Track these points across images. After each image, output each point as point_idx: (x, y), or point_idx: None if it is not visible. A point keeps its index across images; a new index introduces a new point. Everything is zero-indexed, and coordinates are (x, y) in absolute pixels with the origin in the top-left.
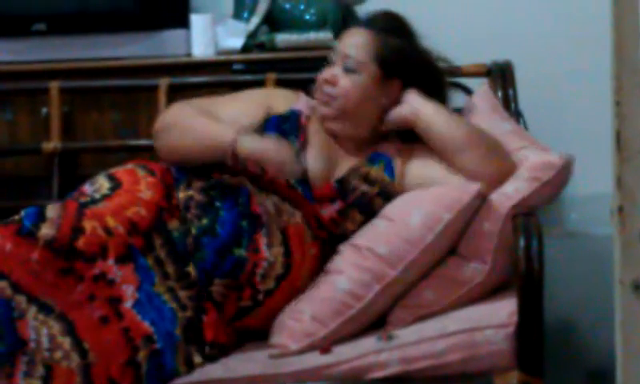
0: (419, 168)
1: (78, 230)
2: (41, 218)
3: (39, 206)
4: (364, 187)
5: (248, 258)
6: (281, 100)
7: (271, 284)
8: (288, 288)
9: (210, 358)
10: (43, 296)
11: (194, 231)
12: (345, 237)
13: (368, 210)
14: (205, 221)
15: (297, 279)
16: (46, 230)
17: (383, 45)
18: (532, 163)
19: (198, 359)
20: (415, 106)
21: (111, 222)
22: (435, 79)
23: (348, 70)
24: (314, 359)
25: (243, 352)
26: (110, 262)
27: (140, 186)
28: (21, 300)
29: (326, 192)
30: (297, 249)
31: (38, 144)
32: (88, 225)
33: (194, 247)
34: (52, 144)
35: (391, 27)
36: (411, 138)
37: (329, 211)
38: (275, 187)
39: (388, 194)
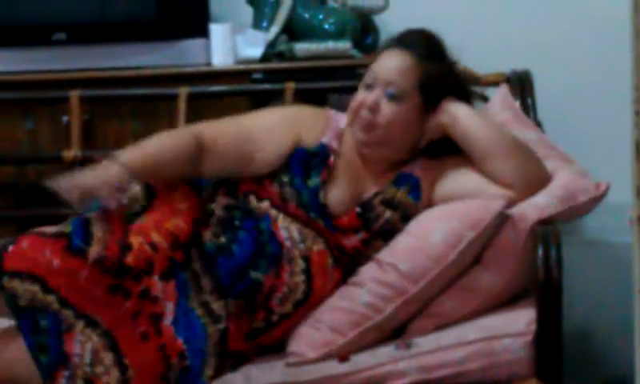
0: (449, 182)
1: (126, 247)
2: (88, 233)
3: (83, 218)
4: (388, 213)
5: (265, 281)
6: (311, 129)
7: (289, 308)
8: (305, 311)
9: (232, 367)
10: (91, 312)
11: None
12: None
13: (391, 237)
14: (222, 239)
15: (316, 303)
16: (94, 249)
17: (426, 72)
18: (569, 183)
19: (223, 369)
20: (453, 112)
21: (156, 236)
22: (468, 97)
23: (391, 98)
24: (333, 367)
25: (263, 361)
26: (155, 278)
27: (175, 194)
28: (68, 314)
29: (349, 223)
30: (319, 276)
31: (59, 152)
32: (135, 241)
33: (213, 260)
34: (72, 152)
35: (432, 52)
36: (438, 153)
37: (352, 241)
38: (297, 217)
39: (410, 218)
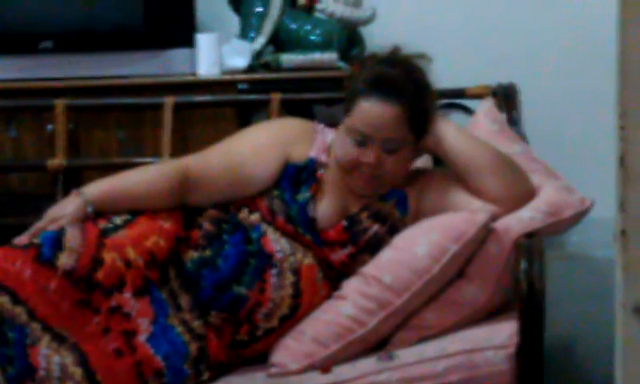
0: (435, 196)
1: (97, 262)
2: (59, 245)
3: (58, 230)
4: (375, 227)
5: (249, 296)
6: (298, 144)
7: (274, 323)
8: (291, 327)
9: (213, 377)
10: (58, 326)
11: (195, 258)
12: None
13: (378, 251)
14: (208, 252)
15: (302, 319)
16: (64, 260)
17: (413, 112)
18: (553, 199)
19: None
20: (438, 132)
21: (131, 253)
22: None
23: (390, 151)
24: (315, 379)
25: (244, 371)
26: (127, 294)
27: (162, 211)
28: (36, 327)
29: (336, 236)
30: (308, 290)
31: (43, 161)
32: (108, 256)
33: (194, 277)
34: (57, 161)
35: (410, 86)
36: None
37: (339, 256)
38: (285, 231)
39: (397, 232)
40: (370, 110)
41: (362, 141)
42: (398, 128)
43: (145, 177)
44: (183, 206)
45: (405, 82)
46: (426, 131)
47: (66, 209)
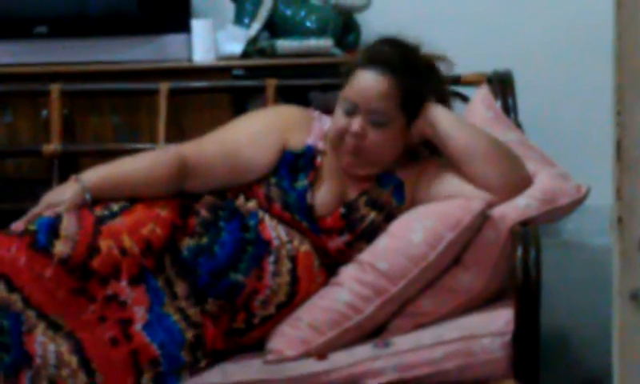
0: (431, 184)
1: (93, 250)
2: (55, 232)
3: (54, 217)
4: (372, 215)
5: (246, 283)
6: (295, 131)
7: (271, 310)
8: (288, 314)
9: (209, 364)
10: (53, 314)
11: (192, 246)
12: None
13: (374, 239)
14: (204, 239)
15: (299, 306)
16: (60, 247)
17: (405, 89)
18: (548, 186)
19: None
20: (432, 118)
21: (127, 241)
22: (446, 96)
23: (376, 124)
24: (311, 365)
25: (240, 358)
26: (123, 283)
27: (159, 199)
28: (31, 315)
29: (333, 224)
30: (305, 277)
31: (38, 146)
32: (104, 244)
33: (190, 264)
34: (52, 146)
35: (406, 64)
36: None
37: (336, 243)
38: (282, 218)
39: (394, 219)
40: (362, 79)
41: (351, 110)
42: (387, 102)
43: (143, 164)
44: (180, 193)
45: (401, 61)
46: (418, 115)
47: (63, 195)
